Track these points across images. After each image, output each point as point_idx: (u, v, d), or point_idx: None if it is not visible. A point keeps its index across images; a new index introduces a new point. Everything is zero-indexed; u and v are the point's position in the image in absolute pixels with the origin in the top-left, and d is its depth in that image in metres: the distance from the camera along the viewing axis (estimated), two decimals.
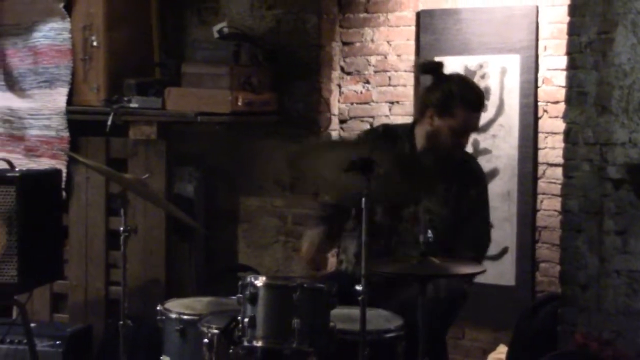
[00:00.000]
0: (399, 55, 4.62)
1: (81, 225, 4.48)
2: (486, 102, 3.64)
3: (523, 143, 4.39)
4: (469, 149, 4.40)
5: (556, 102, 4.26)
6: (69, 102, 4.46)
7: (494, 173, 4.44)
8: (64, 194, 4.38)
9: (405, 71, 4.64)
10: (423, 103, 3.59)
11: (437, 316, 3.44)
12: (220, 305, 3.44)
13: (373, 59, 4.70)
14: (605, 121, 3.64)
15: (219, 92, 4.12)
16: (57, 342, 4.03)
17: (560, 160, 3.89)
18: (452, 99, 3.49)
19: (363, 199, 2.95)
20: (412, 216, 3.59)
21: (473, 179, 3.62)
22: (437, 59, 4.48)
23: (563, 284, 3.85)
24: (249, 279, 3.03)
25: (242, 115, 4.21)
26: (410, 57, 4.66)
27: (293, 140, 4.45)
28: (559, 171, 3.99)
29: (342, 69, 4.75)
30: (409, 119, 4.32)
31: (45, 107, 4.50)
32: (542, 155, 4.37)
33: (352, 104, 4.75)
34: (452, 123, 3.48)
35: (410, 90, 4.66)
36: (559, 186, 3.93)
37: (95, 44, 4.35)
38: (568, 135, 3.78)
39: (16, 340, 3.95)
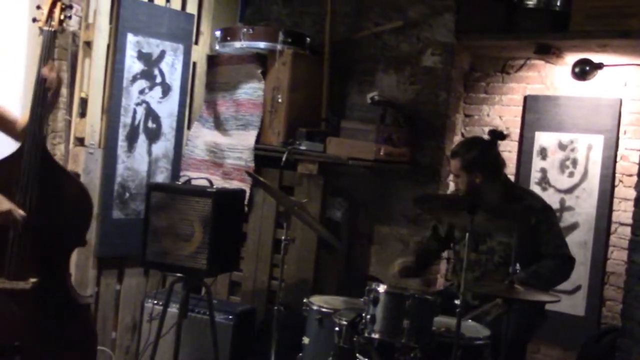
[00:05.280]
0: (507, 128, 4.54)
1: (256, 233, 4.55)
2: (460, 151, 3.61)
3: (601, 205, 4.23)
4: (557, 205, 4.31)
5: (630, 175, 4.11)
6: (257, 141, 4.54)
7: (574, 226, 4.31)
8: (246, 208, 4.47)
9: (512, 140, 4.55)
10: None
11: (522, 331, 3.36)
12: (350, 304, 3.46)
13: (487, 130, 4.63)
14: None
15: (367, 144, 4.14)
16: (230, 317, 4.09)
17: (630, 221, 3.76)
18: None
19: (467, 233, 2.91)
20: (488, 249, 3.52)
21: (530, 210, 3.48)
22: (537, 133, 4.43)
23: (624, 319, 3.69)
24: (373, 286, 3.04)
25: (382, 163, 4.21)
26: (516, 130, 4.58)
27: (419, 186, 4.43)
28: (628, 230, 3.85)
29: (462, 135, 4.71)
30: (511, 178, 4.25)
31: (240, 143, 4.59)
32: (616, 216, 4.21)
33: None
34: None
35: (514, 155, 4.57)
36: (627, 241, 3.79)
37: (280, 100, 4.44)
38: (638, 201, 3.65)
39: (201, 312, 4.03)
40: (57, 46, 4.10)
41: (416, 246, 3.96)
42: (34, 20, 3.30)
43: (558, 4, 4.02)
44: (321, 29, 4.65)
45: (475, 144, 3.68)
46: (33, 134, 3.16)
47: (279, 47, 4.42)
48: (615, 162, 4.21)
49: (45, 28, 3.26)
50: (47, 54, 3.24)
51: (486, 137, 3.71)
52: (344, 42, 4.68)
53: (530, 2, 4.06)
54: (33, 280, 3.12)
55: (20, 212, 3.06)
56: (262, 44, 4.48)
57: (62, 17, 3.30)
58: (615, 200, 4.21)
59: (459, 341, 2.91)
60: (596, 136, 4.27)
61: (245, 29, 4.50)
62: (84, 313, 3.43)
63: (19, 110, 3.66)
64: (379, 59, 4.63)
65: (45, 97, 3.20)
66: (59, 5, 3.29)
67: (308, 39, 4.56)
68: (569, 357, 4.24)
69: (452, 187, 4.61)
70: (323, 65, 4.53)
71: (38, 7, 3.32)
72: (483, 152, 3.55)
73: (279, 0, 5.04)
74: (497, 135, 3.62)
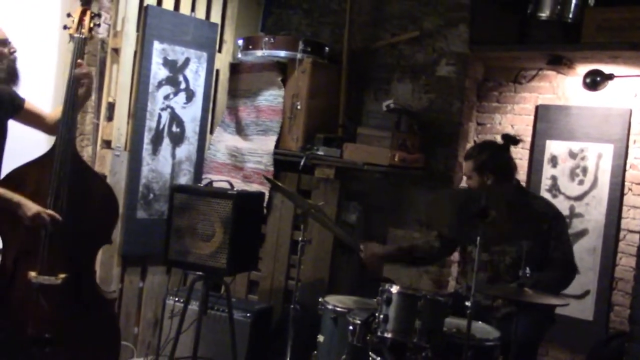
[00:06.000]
0: (519, 136, 4.49)
1: (274, 234, 4.54)
2: (473, 153, 3.59)
3: (610, 212, 4.20)
4: (567, 212, 4.27)
5: (639, 183, 4.05)
6: (276, 146, 4.55)
7: (584, 232, 4.26)
8: (265, 210, 4.46)
9: (523, 148, 4.52)
10: None
11: (531, 332, 3.32)
12: (364, 304, 3.44)
13: (499, 137, 4.59)
14: None
15: (382, 150, 4.13)
16: (248, 315, 4.09)
17: (639, 228, 3.70)
18: None
19: (478, 238, 2.88)
20: (500, 250, 3.49)
21: (543, 216, 3.42)
22: (548, 141, 4.39)
23: (631, 324, 3.64)
24: (387, 287, 3.02)
25: (397, 168, 4.19)
26: (528, 139, 4.54)
27: (432, 191, 4.40)
28: (636, 237, 3.82)
29: (475, 142, 4.68)
30: (522, 184, 4.22)
31: (260, 148, 4.60)
32: (624, 223, 4.17)
33: None
34: None
35: (525, 163, 4.53)
36: (635, 248, 3.75)
37: (299, 107, 4.44)
38: None
39: (220, 309, 4.04)
40: (87, 52, 4.13)
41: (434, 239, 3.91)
42: (65, 27, 3.34)
43: (570, 16, 3.99)
44: (340, 38, 4.66)
45: (487, 146, 3.66)
46: (64, 137, 3.19)
47: (298, 56, 4.42)
48: (624, 170, 4.18)
49: (76, 35, 3.30)
50: (77, 60, 3.27)
51: (499, 141, 3.68)
52: (362, 52, 4.67)
53: (543, 15, 4.03)
54: (62, 275, 3.14)
55: (48, 213, 3.08)
56: (282, 53, 4.49)
57: (91, 24, 3.34)
58: (624, 208, 4.17)
59: (469, 342, 2.88)
60: (606, 145, 4.23)
61: (266, 38, 4.51)
62: (109, 308, 3.45)
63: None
64: (395, 68, 4.62)
65: (76, 100, 3.24)
66: (88, 13, 3.34)
67: (327, 49, 4.56)
68: None
69: None
70: (341, 74, 4.53)
71: (68, 15, 3.35)
72: (494, 154, 3.53)
73: (300, 11, 5.06)
74: (510, 139, 3.59)
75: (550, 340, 4.09)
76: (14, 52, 3.21)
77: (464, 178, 4.35)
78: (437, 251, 3.84)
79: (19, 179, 3.14)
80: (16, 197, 3.08)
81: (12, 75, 3.22)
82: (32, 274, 3.10)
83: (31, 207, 3.07)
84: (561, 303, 3.12)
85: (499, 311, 3.33)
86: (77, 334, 3.21)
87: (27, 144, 3.42)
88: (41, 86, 3.97)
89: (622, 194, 4.17)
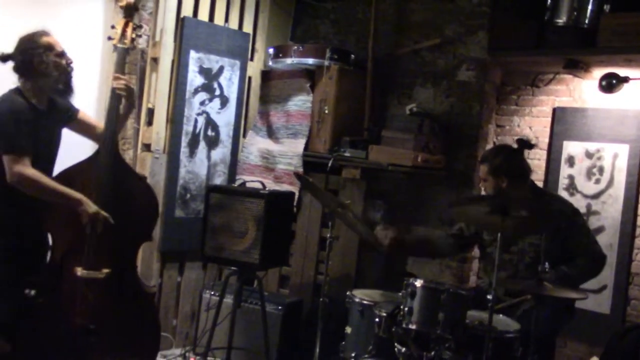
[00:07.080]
0: (537, 138, 4.49)
1: (303, 231, 4.56)
2: (488, 157, 3.55)
3: (626, 210, 4.15)
4: (583, 209, 4.23)
5: None
6: (305, 148, 4.57)
7: (601, 229, 4.22)
8: (295, 209, 4.48)
9: (540, 149, 4.49)
10: None
11: (549, 325, 3.29)
12: (389, 297, 3.44)
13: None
14: None
15: (405, 151, 4.12)
16: (279, 307, 4.11)
17: None
18: None
19: (499, 234, 2.87)
20: (519, 250, 3.46)
21: (561, 214, 3.39)
22: (565, 142, 4.35)
23: None
24: (411, 281, 3.02)
25: (419, 169, 4.18)
26: (545, 140, 4.50)
27: (453, 191, 4.39)
28: None
29: (494, 144, 4.66)
30: (540, 184, 4.19)
31: (290, 150, 4.62)
32: None
33: None
34: None
35: (543, 163, 4.50)
36: None
37: (326, 111, 4.46)
38: None
39: (253, 302, 4.06)
40: (127, 62, 4.19)
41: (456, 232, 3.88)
42: (109, 38, 3.39)
43: (586, 21, 3.95)
44: (365, 46, 4.66)
45: (501, 150, 3.64)
46: (107, 142, 3.24)
47: (326, 63, 4.44)
48: (639, 169, 4.12)
49: (119, 45, 3.34)
50: (120, 69, 3.32)
51: (515, 145, 3.65)
52: (386, 59, 4.67)
53: (559, 21, 4.00)
54: (106, 270, 3.19)
55: (104, 214, 3.13)
56: (311, 61, 4.51)
57: (133, 35, 3.39)
58: None
59: (490, 334, 2.87)
60: (622, 145, 4.19)
61: (295, 47, 4.53)
62: (150, 301, 3.49)
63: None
64: (417, 74, 4.61)
65: (117, 109, 3.29)
66: (130, 25, 3.39)
67: (353, 56, 4.57)
68: (594, 353, 4.15)
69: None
70: (366, 80, 4.53)
71: (112, 27, 3.40)
72: (508, 158, 3.50)
73: (327, 21, 5.08)
74: (525, 144, 3.56)
75: (568, 333, 4.05)
76: (71, 63, 3.25)
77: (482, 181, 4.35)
78: (450, 248, 3.81)
79: (68, 179, 3.19)
80: (78, 194, 3.12)
81: (68, 87, 3.26)
82: (78, 269, 3.16)
83: (92, 205, 3.12)
84: (580, 297, 3.09)
85: (519, 308, 3.31)
86: (119, 325, 3.26)
87: (78, 147, 3.48)
88: (85, 96, 4.02)
89: (637, 193, 4.12)
